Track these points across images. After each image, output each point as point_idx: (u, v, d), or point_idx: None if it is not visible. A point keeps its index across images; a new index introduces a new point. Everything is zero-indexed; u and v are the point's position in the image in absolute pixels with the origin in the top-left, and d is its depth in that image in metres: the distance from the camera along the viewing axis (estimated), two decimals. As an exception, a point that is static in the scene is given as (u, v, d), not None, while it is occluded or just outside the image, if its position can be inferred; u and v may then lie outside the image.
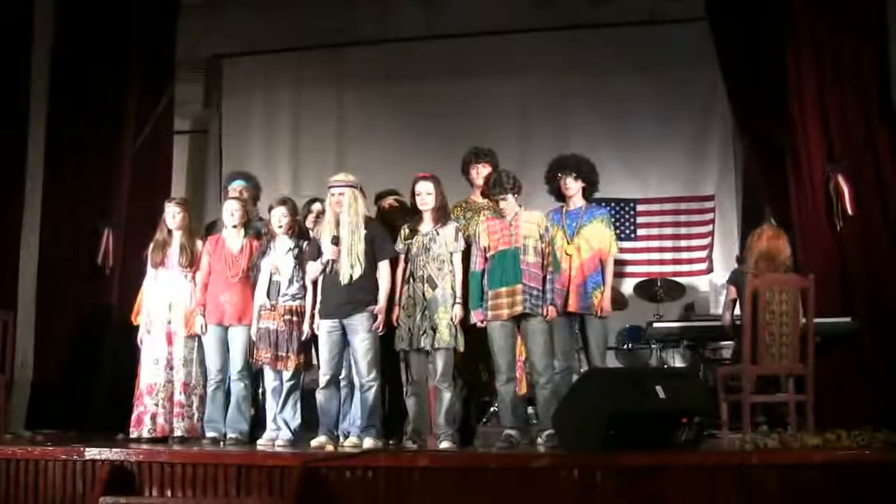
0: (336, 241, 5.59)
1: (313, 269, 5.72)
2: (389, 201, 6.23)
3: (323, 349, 5.63)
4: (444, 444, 5.45)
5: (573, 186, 5.98)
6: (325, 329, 5.61)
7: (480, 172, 6.06)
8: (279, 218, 5.94)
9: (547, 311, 5.53)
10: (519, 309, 5.49)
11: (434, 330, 5.53)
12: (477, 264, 5.66)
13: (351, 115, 9.54)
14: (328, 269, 5.65)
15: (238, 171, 6.99)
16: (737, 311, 5.91)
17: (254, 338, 5.88)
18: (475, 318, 5.58)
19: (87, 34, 7.89)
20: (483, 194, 5.98)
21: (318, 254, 5.71)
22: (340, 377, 5.70)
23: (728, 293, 6.04)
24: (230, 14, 9.41)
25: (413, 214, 5.82)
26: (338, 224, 5.64)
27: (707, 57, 7.70)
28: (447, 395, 5.55)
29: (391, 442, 5.75)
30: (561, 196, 6.05)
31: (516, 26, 9.16)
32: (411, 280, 5.63)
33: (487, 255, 5.63)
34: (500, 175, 5.71)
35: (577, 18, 9.08)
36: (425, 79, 9.28)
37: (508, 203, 5.64)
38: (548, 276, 5.58)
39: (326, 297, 5.64)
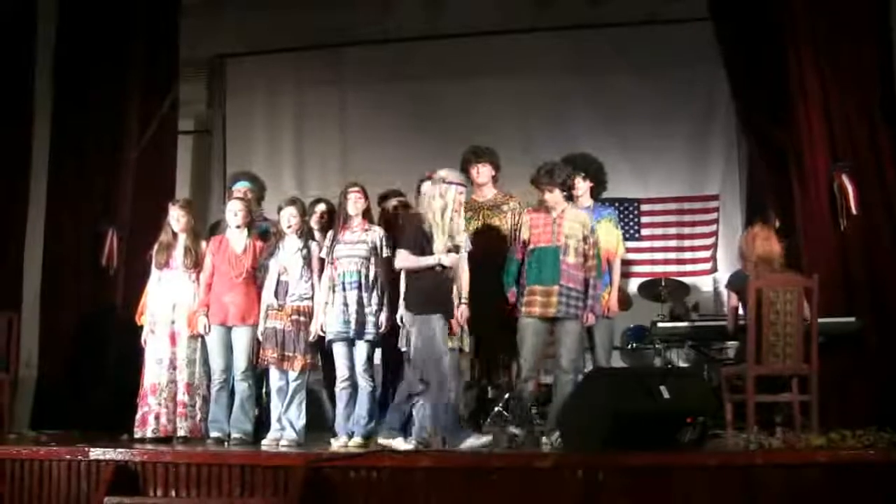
0: (457, 249, 5.42)
1: (410, 260, 5.40)
2: (393, 203, 6.23)
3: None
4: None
5: (581, 186, 5.97)
6: (439, 325, 5.36)
7: (481, 171, 6.06)
8: (288, 218, 5.93)
9: (587, 317, 5.54)
10: (552, 311, 5.51)
11: (439, 330, 5.53)
12: (516, 252, 5.69)
13: (354, 115, 9.54)
14: (438, 269, 5.39)
15: (242, 172, 6.96)
16: (739, 311, 5.92)
17: (260, 338, 5.88)
18: (510, 296, 5.59)
19: (89, 35, 7.91)
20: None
21: (421, 244, 5.40)
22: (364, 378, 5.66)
23: (730, 299, 6.03)
24: (233, 14, 9.42)
25: (417, 215, 5.82)
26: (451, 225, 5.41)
27: (710, 57, 7.69)
28: (451, 395, 5.54)
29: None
30: (568, 195, 6.04)
31: (518, 26, 9.16)
32: (416, 280, 5.62)
33: (527, 248, 5.61)
34: (553, 167, 5.68)
35: (580, 19, 9.08)
36: (427, 79, 9.29)
37: (554, 197, 5.62)
38: (591, 282, 5.58)
39: (431, 296, 5.37)
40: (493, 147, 6.26)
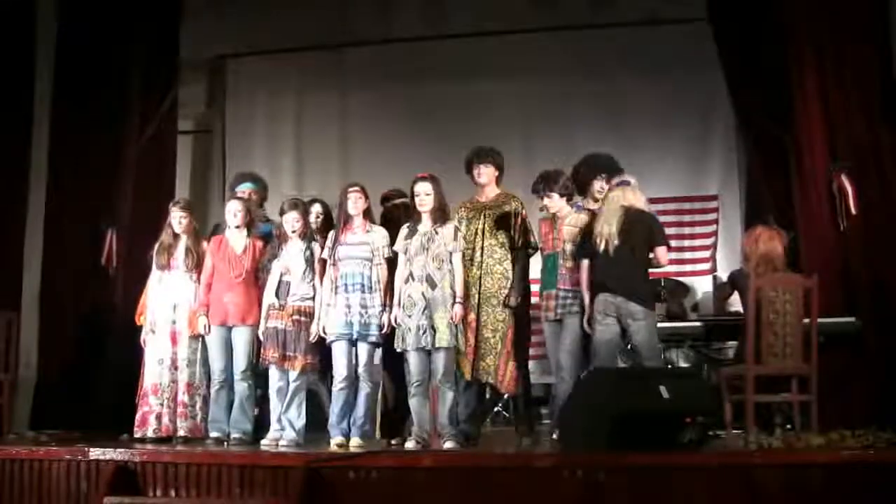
0: None
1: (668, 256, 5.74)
2: (396, 203, 6.23)
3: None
4: (448, 444, 5.45)
5: (603, 190, 5.96)
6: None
7: (482, 172, 6.04)
8: (292, 223, 5.92)
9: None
10: (551, 315, 5.61)
11: (434, 329, 5.52)
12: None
13: (354, 116, 9.52)
14: None
15: (246, 174, 6.91)
16: (738, 309, 5.92)
17: (261, 337, 5.89)
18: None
19: (90, 35, 7.92)
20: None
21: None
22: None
23: (725, 289, 6.07)
24: (233, 14, 9.40)
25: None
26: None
27: (709, 57, 7.69)
28: (450, 395, 5.55)
29: (394, 442, 5.76)
30: (583, 192, 6.01)
31: (519, 28, 9.16)
32: (411, 280, 5.61)
33: (543, 255, 5.70)
34: (549, 173, 5.71)
35: (580, 20, 9.07)
36: (428, 80, 9.27)
37: (553, 203, 5.64)
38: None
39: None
40: (496, 148, 6.24)
